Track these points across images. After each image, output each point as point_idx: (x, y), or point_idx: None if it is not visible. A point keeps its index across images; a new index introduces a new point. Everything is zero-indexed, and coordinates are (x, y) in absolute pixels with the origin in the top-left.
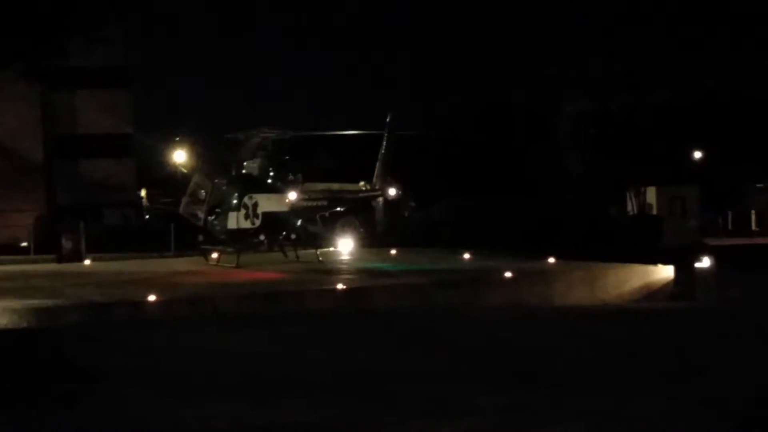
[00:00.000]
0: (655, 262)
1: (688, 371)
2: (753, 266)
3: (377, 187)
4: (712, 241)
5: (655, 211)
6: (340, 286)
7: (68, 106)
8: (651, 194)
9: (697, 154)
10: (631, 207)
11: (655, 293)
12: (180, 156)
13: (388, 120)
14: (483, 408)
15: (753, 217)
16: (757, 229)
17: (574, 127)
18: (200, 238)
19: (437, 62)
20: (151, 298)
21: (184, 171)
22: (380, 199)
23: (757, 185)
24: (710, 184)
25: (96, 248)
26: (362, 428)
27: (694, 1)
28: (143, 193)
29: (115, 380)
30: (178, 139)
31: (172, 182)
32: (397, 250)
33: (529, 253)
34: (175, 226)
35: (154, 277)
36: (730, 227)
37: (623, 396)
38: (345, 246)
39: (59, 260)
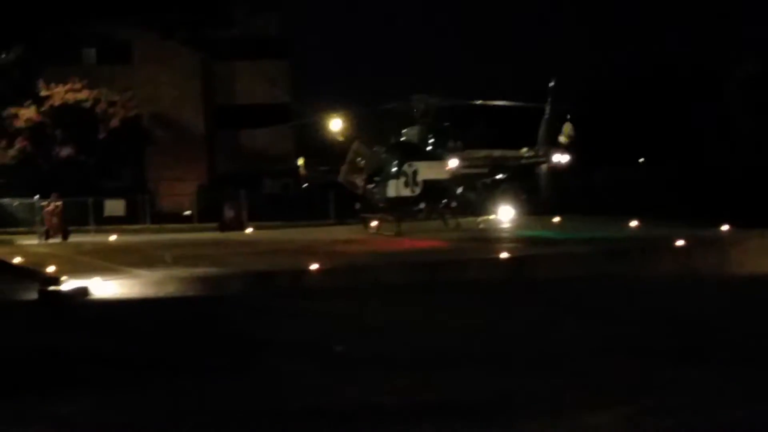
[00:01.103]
0: None
1: None
2: None
3: (541, 153)
4: None
5: None
6: (503, 255)
7: (228, 76)
8: None
9: None
10: None
11: None
12: (337, 125)
13: (551, 85)
14: (662, 386)
15: None
16: None
17: (746, 88)
18: (357, 206)
19: (600, 23)
20: (314, 266)
21: (342, 140)
22: (544, 165)
23: None
24: None
25: (256, 217)
26: (540, 403)
27: None
28: (301, 161)
29: (281, 351)
30: (333, 109)
31: (329, 151)
32: (560, 218)
33: (701, 220)
34: (334, 194)
35: (315, 246)
36: None
37: None
38: (506, 213)
39: (221, 228)
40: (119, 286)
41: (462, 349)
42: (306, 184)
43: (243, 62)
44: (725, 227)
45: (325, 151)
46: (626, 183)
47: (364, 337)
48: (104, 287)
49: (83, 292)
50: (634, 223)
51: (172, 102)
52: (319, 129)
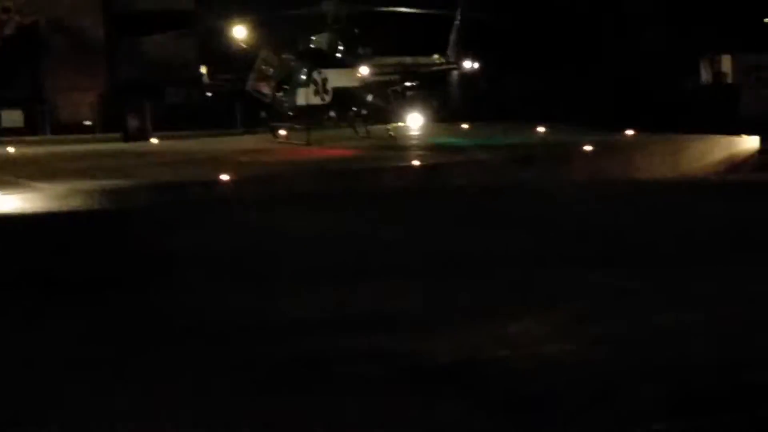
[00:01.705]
0: (737, 133)
1: None
2: None
3: (452, 59)
4: None
5: (730, 81)
6: (414, 163)
7: None
8: (726, 63)
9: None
10: (706, 77)
11: (740, 165)
12: (241, 32)
13: None
14: (587, 292)
15: None
16: None
17: None
18: (263, 114)
19: None
20: (224, 177)
21: (246, 48)
22: (455, 72)
23: None
24: None
25: (160, 126)
26: (467, 311)
27: None
28: (204, 70)
29: (189, 264)
30: (237, 16)
31: (234, 59)
32: (469, 125)
33: (606, 126)
34: (240, 103)
35: (224, 156)
36: None
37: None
38: (416, 121)
39: (125, 139)
40: (20, 200)
41: (385, 259)
42: (209, 94)
43: None
44: (629, 132)
45: (230, 60)
46: (534, 89)
47: (282, 249)
48: (4, 202)
49: None
50: (541, 129)
51: (70, 8)
52: (224, 36)
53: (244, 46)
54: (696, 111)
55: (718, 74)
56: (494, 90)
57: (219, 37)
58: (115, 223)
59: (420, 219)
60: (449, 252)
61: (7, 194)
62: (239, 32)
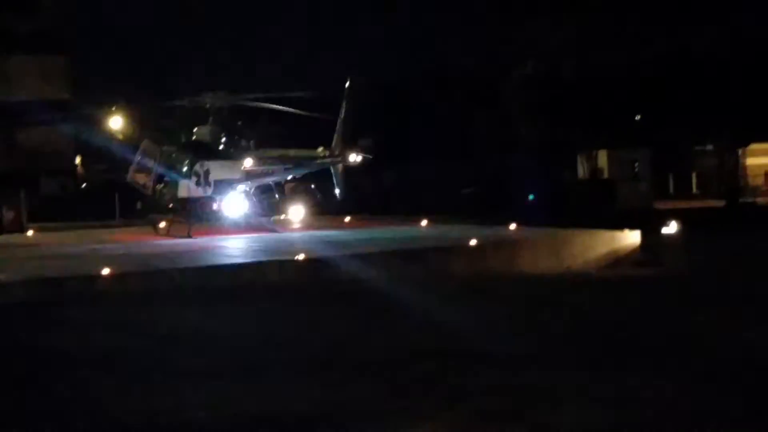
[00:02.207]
0: (616, 227)
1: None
2: (712, 231)
3: (337, 152)
4: (659, 205)
5: (606, 175)
6: (300, 257)
7: (3, 70)
8: (602, 158)
9: (640, 117)
10: (583, 171)
11: (622, 259)
12: (117, 122)
13: (347, 85)
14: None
15: (694, 179)
16: (698, 192)
17: (521, 91)
18: (138, 205)
19: (375, 27)
20: (105, 271)
21: (123, 138)
22: (340, 165)
23: (697, 148)
24: (656, 147)
25: (35, 218)
26: (361, 414)
27: None
28: (78, 160)
29: (75, 362)
30: (115, 106)
31: (109, 149)
32: (351, 218)
33: (486, 219)
34: (118, 194)
35: (103, 249)
36: (671, 190)
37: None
38: (297, 214)
39: (0, 231)
40: None
41: (270, 356)
42: (84, 184)
43: (19, 56)
44: (513, 226)
45: (105, 150)
46: (414, 183)
47: (161, 346)
48: None
49: None
50: (424, 223)
51: None
52: (100, 126)
53: (121, 136)
54: (574, 205)
55: (594, 169)
56: (373, 182)
57: (95, 127)
58: None
59: (305, 314)
60: (342, 349)
61: None
62: (115, 122)
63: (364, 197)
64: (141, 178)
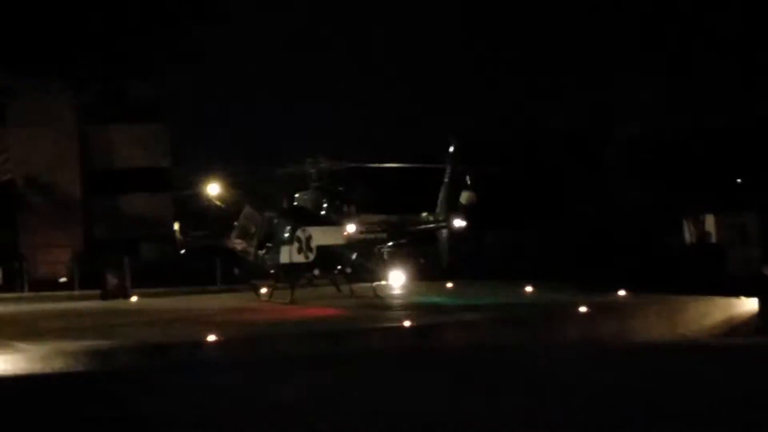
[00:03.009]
0: (729, 294)
1: None
2: None
3: (441, 218)
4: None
5: (714, 240)
6: (406, 323)
7: (104, 140)
8: (709, 222)
9: (744, 179)
10: (690, 236)
11: (738, 327)
12: (215, 189)
13: (451, 148)
14: None
15: None
16: None
17: (624, 153)
18: (236, 271)
19: (468, 89)
20: (210, 338)
21: (221, 204)
22: (444, 231)
23: None
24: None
25: (136, 284)
26: None
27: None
28: (176, 226)
29: (182, 429)
30: (213, 173)
31: (207, 215)
32: (453, 284)
33: (594, 286)
34: (219, 260)
35: (206, 315)
36: None
37: None
38: (399, 279)
39: (104, 297)
40: (2, 362)
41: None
42: (183, 250)
43: (120, 125)
44: (622, 292)
45: (204, 216)
46: (515, 247)
47: (275, 415)
48: None
49: None
50: (529, 289)
51: (47, 165)
52: (199, 194)
53: (219, 203)
54: (683, 270)
55: (702, 233)
56: (474, 247)
57: (194, 194)
58: (101, 385)
59: (411, 384)
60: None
61: None
62: (213, 189)
63: (463, 261)
64: (242, 244)
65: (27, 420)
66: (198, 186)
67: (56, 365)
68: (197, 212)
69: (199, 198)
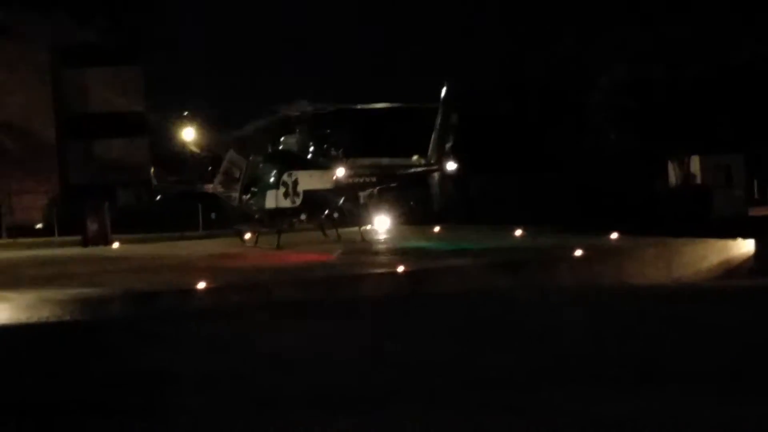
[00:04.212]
0: (716, 236)
1: None
2: None
3: (433, 161)
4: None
5: (699, 182)
6: (399, 269)
7: (79, 84)
8: (695, 164)
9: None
10: (675, 178)
11: (735, 270)
12: (190, 134)
13: (444, 90)
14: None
15: None
16: None
17: (610, 98)
18: (213, 216)
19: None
20: (200, 285)
21: (195, 149)
22: (436, 174)
23: None
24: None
25: (115, 230)
26: None
27: None
28: (152, 171)
29: (187, 386)
30: (185, 114)
31: (181, 160)
32: (441, 228)
33: (583, 229)
34: (192, 205)
35: (193, 261)
36: (756, 196)
37: None
38: (386, 224)
39: (85, 243)
40: None
41: (390, 381)
42: (159, 196)
43: (94, 69)
44: (614, 235)
45: (179, 160)
46: (499, 191)
47: (274, 369)
48: None
49: None
50: (519, 232)
51: (21, 111)
52: (175, 138)
53: (195, 148)
54: (668, 212)
55: (687, 175)
56: (460, 191)
57: (170, 139)
58: (90, 336)
59: (411, 330)
60: (456, 370)
61: None
62: (189, 134)
63: (449, 206)
64: (227, 189)
65: (16, 373)
66: (173, 130)
67: (43, 314)
68: (172, 157)
69: (174, 143)
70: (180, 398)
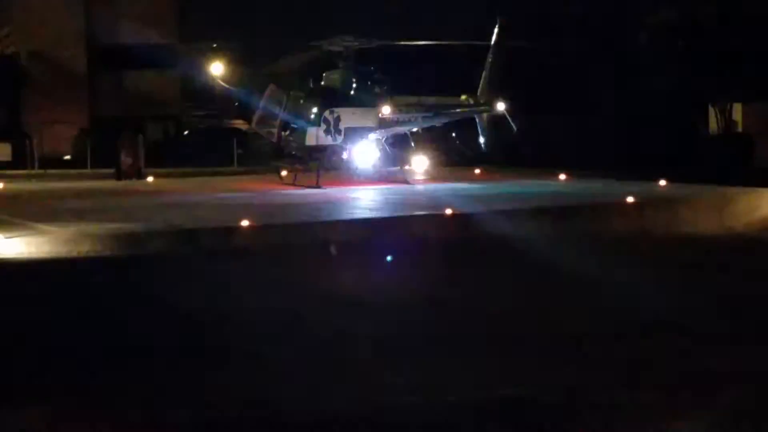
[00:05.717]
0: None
1: None
2: None
3: (482, 101)
4: None
5: (740, 130)
6: (448, 211)
7: (111, 16)
8: (737, 112)
9: None
10: (717, 126)
11: None
12: (218, 68)
13: (497, 27)
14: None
15: None
16: None
17: (654, 40)
18: (239, 151)
19: None
20: (244, 222)
21: (224, 84)
22: (485, 114)
23: None
24: None
25: (147, 164)
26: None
27: None
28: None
29: (249, 331)
30: (215, 46)
31: (211, 94)
32: (480, 170)
33: (626, 175)
34: (236, 140)
35: (232, 198)
36: None
37: None
38: (422, 164)
39: (118, 177)
40: (26, 244)
41: (461, 327)
42: (186, 131)
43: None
44: (662, 182)
45: (209, 95)
46: (541, 133)
47: (330, 313)
48: (7, 246)
49: None
50: (563, 177)
51: (51, 40)
52: (206, 72)
53: (226, 83)
54: (709, 160)
55: (729, 122)
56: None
57: (201, 72)
58: (134, 273)
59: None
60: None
61: (9, 237)
62: (218, 69)
63: (497, 148)
64: (266, 125)
65: (60, 306)
66: (205, 64)
67: (83, 249)
68: (203, 91)
69: (205, 77)
70: (243, 343)
